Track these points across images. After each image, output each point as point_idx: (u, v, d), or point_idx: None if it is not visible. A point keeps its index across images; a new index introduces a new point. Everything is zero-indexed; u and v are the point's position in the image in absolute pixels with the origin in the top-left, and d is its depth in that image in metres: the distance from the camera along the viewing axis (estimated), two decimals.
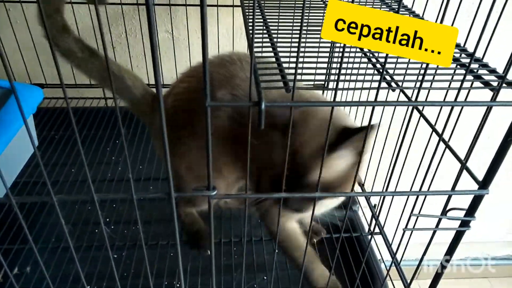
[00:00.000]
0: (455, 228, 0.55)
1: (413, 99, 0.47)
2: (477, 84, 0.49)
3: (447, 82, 0.48)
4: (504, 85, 0.44)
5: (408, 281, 0.68)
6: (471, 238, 0.66)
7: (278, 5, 0.74)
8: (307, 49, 0.53)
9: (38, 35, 1.11)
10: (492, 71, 0.51)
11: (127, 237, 0.84)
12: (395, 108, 0.78)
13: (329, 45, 0.62)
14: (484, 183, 0.51)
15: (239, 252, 0.82)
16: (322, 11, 0.76)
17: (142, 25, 1.15)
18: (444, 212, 0.54)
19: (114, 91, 0.77)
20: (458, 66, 0.53)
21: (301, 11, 0.72)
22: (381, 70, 0.51)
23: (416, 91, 0.47)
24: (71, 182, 0.95)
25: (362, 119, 0.93)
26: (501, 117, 0.62)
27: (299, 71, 0.39)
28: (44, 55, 1.13)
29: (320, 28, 0.42)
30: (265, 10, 0.72)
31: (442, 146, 0.57)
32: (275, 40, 0.56)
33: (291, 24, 0.64)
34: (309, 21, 0.68)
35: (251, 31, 0.40)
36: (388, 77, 0.53)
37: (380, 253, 0.84)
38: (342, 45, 0.38)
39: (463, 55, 0.56)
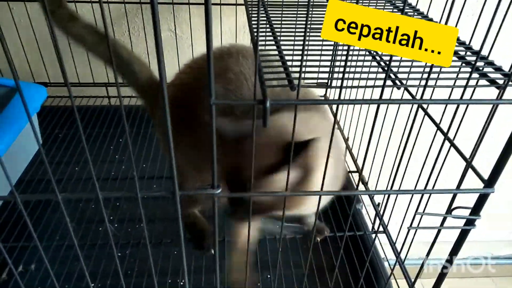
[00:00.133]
0: (460, 226, 0.55)
1: (418, 97, 0.47)
2: (482, 82, 0.48)
3: (452, 80, 0.48)
4: (510, 83, 0.44)
5: (412, 280, 0.68)
6: (474, 237, 0.65)
7: (281, 3, 0.74)
8: (310, 47, 0.53)
9: (41, 34, 1.12)
10: (498, 69, 0.50)
11: (131, 235, 0.84)
12: (399, 106, 0.77)
13: (332, 43, 0.62)
14: (490, 182, 0.50)
15: None
16: (325, 9, 0.76)
17: (145, 24, 1.15)
18: (449, 210, 0.54)
19: (120, 75, 0.80)
20: (464, 64, 0.52)
21: (304, 9, 0.72)
22: (386, 68, 0.51)
23: (420, 89, 0.46)
24: (75, 180, 0.95)
25: (366, 118, 0.92)
26: (507, 115, 0.61)
27: (303, 69, 0.39)
28: (47, 54, 1.13)
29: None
30: (268, 8, 0.72)
31: (447, 144, 0.57)
32: (278, 38, 0.56)
33: (294, 22, 0.64)
34: (312, 19, 0.67)
35: (255, 30, 0.40)
36: (392, 75, 0.52)
37: (384, 252, 0.84)
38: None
39: (468, 53, 0.56)
